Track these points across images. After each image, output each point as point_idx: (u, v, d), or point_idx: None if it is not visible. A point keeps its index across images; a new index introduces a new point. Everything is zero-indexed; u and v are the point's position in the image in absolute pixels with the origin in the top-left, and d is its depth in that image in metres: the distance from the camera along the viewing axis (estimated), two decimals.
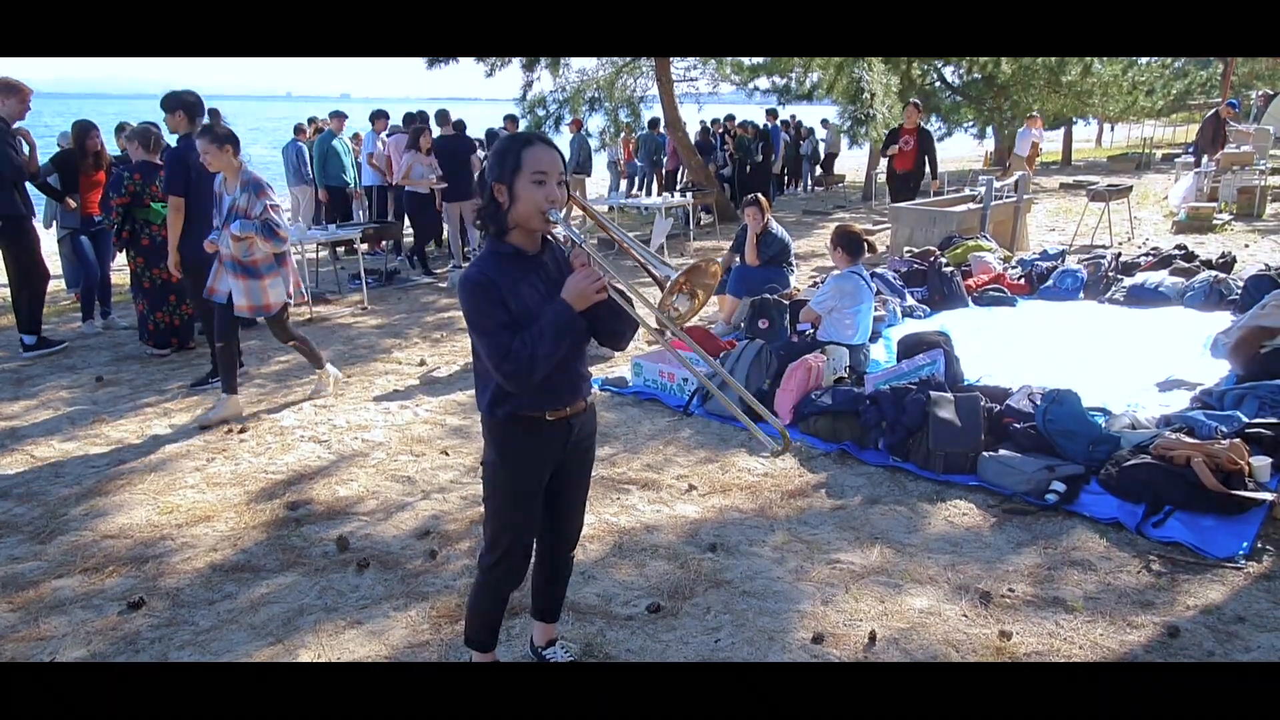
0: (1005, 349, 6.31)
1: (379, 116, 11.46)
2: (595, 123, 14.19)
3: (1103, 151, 30.10)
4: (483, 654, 2.64)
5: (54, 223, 7.76)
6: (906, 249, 9.27)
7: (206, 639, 3.01)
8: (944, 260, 8.21)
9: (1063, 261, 8.61)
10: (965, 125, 21.56)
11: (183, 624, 3.10)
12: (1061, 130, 24.99)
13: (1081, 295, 7.96)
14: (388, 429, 4.99)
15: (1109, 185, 11.77)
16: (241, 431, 4.95)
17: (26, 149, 6.53)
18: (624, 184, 17.32)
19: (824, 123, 20.09)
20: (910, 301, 7.57)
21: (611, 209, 13.20)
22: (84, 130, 7.19)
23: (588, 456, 2.54)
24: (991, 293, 7.89)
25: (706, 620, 3.08)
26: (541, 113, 12.75)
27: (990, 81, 18.61)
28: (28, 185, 6.48)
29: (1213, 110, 14.19)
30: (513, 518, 2.42)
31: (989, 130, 21.54)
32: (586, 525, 3.72)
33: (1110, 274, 8.15)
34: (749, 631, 3.01)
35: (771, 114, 17.91)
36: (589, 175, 14.40)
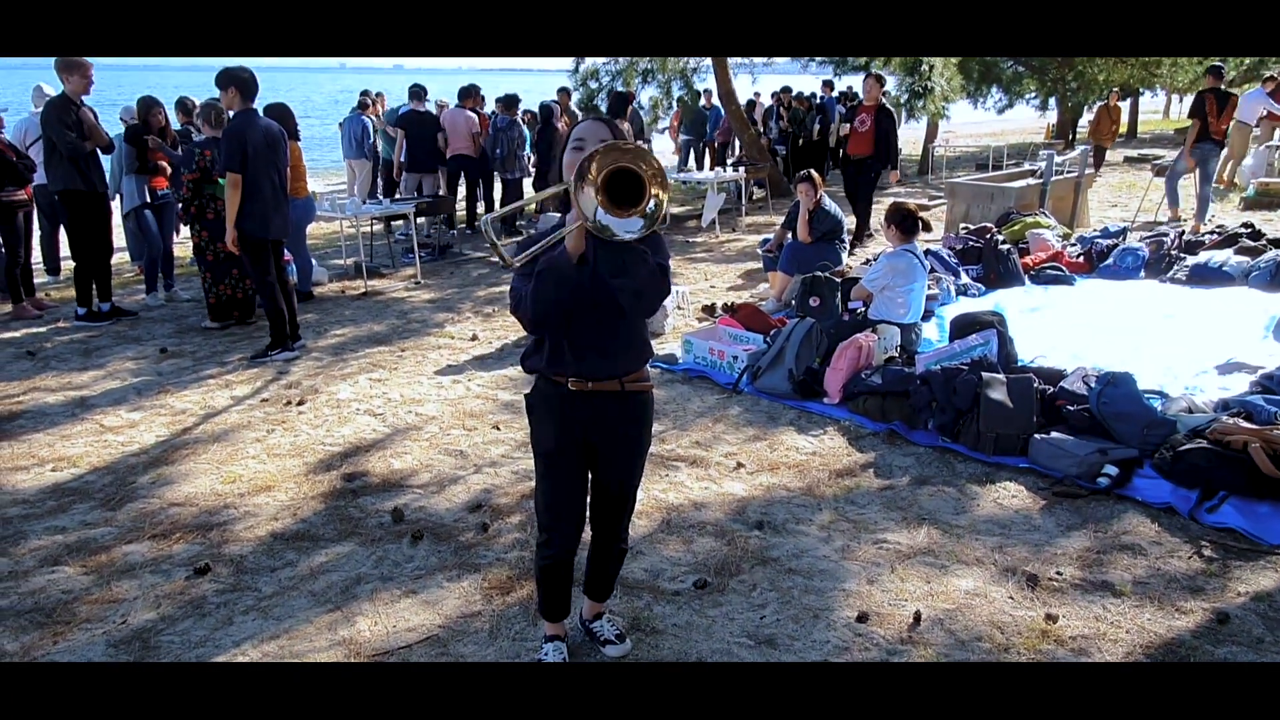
0: (1062, 329, 6.20)
1: (419, 94, 11.39)
2: (648, 95, 14.09)
3: (1170, 124, 29.06)
4: (550, 623, 2.76)
5: (118, 197, 7.99)
6: (962, 225, 9.10)
7: (269, 604, 3.12)
8: (1001, 237, 8.05)
9: (1124, 239, 8.37)
10: (1027, 97, 21.00)
11: (246, 590, 3.22)
12: (1128, 102, 24.18)
13: (1142, 274, 7.76)
14: (440, 403, 5.09)
15: (1176, 159, 11.37)
16: (300, 404, 5.09)
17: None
18: (674, 158, 17.22)
19: (885, 95, 19.66)
20: (965, 279, 7.45)
21: None
22: (148, 106, 7.36)
23: (626, 443, 2.50)
24: (1049, 271, 7.72)
25: (752, 597, 3.12)
26: (594, 85, 12.69)
27: None
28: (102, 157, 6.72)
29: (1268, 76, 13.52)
30: (544, 486, 2.51)
31: (1051, 102, 20.94)
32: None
33: (1173, 252, 7.91)
34: (794, 609, 3.04)
35: (827, 85, 17.59)
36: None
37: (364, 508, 3.84)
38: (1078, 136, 20.14)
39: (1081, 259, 8.09)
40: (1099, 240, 8.36)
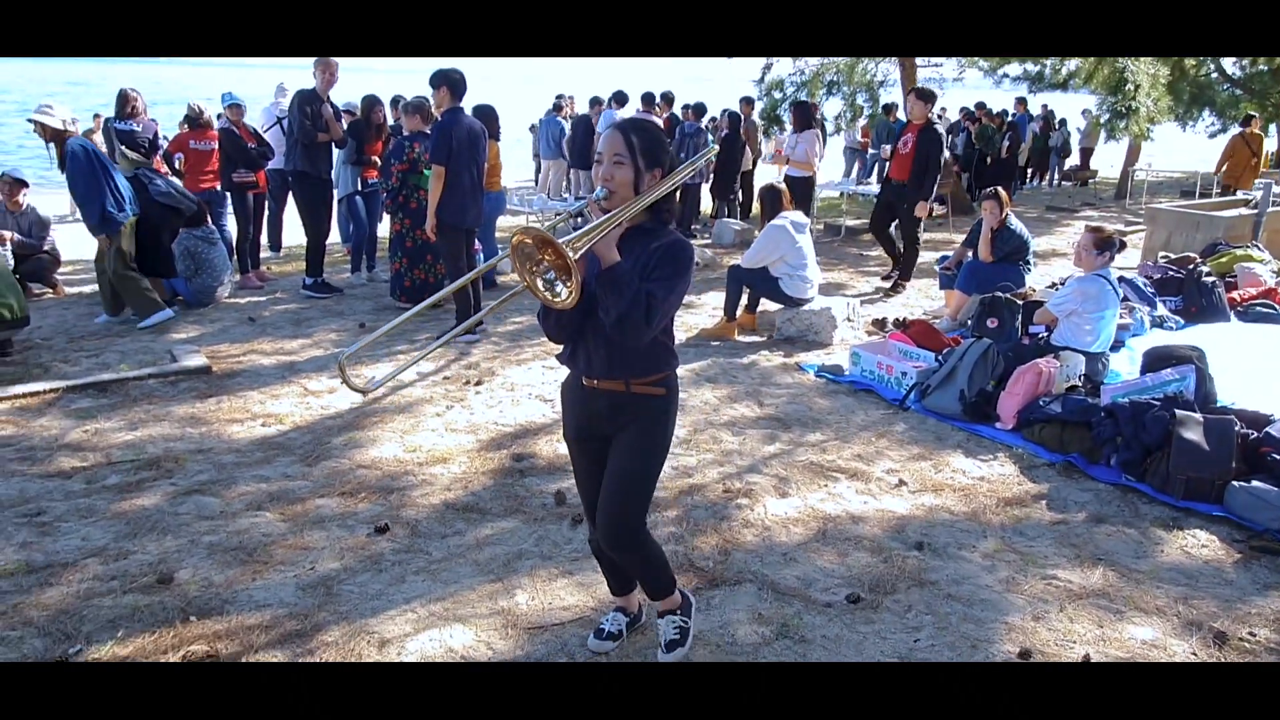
0: (1270, 371, 5.65)
1: (620, 99, 11.87)
2: (832, 107, 13.86)
3: None
4: (618, 597, 2.94)
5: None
6: (1162, 254, 8.47)
7: (438, 568, 3.33)
8: (1205, 269, 7.44)
9: None
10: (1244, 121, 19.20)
11: (419, 552, 3.45)
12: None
13: None
14: None
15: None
16: (477, 384, 5.39)
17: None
18: (856, 170, 16.92)
19: (1085, 113, 18.42)
20: (1161, 311, 6.96)
21: (842, 195, 12.94)
22: (370, 104, 8.05)
23: (625, 438, 2.51)
24: (1259, 308, 7.07)
25: (907, 619, 3.05)
26: (778, 95, 12.59)
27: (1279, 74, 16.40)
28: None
29: None
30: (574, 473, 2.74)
31: (1272, 128, 19.04)
32: (791, 508, 3.80)
33: None
34: (951, 636, 2.95)
35: (1020, 103, 16.76)
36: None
37: (529, 487, 4.02)
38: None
39: None
40: None
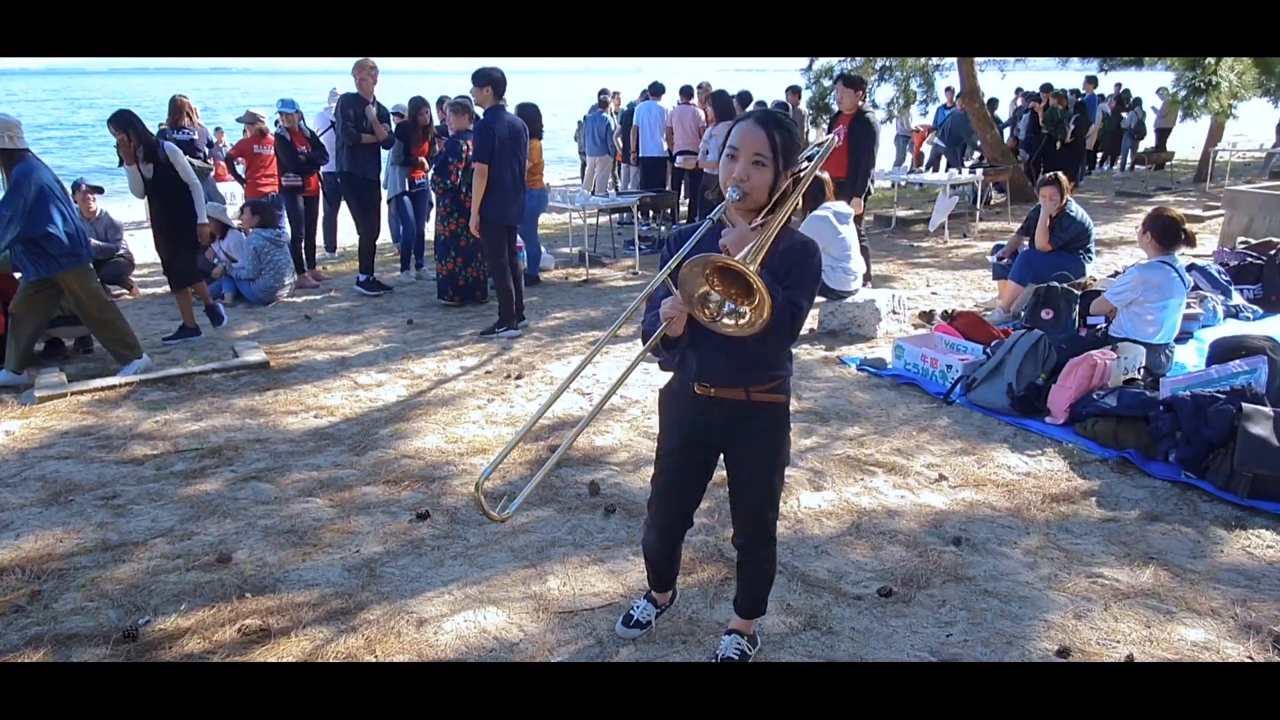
0: None
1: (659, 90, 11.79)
2: (884, 93, 13.52)
3: None
4: (657, 593, 2.93)
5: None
6: (1241, 240, 8.08)
7: (475, 554, 3.39)
8: None
9: None
10: None
11: (457, 538, 3.51)
12: None
13: None
14: (645, 388, 5.24)
15: None
16: (518, 378, 5.44)
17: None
18: (909, 159, 16.57)
19: (1159, 92, 17.57)
20: (1237, 300, 6.63)
21: (894, 185, 12.66)
22: (417, 106, 8.20)
23: (752, 452, 2.44)
24: None
25: (940, 613, 2.98)
26: (827, 83, 12.31)
27: None
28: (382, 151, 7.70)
29: None
30: (655, 478, 2.60)
31: None
32: (824, 501, 3.76)
33: None
34: (985, 632, 2.88)
35: (1090, 81, 16.14)
36: None
37: (564, 478, 4.05)
38: None
39: None
40: None
